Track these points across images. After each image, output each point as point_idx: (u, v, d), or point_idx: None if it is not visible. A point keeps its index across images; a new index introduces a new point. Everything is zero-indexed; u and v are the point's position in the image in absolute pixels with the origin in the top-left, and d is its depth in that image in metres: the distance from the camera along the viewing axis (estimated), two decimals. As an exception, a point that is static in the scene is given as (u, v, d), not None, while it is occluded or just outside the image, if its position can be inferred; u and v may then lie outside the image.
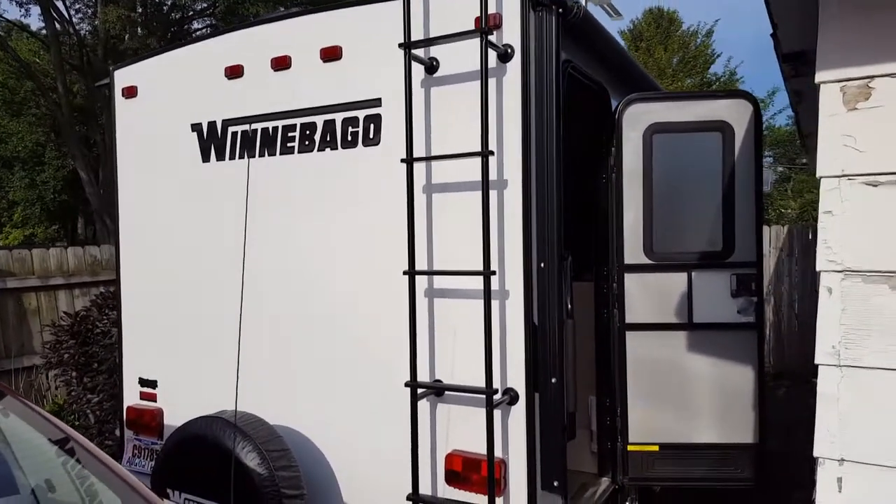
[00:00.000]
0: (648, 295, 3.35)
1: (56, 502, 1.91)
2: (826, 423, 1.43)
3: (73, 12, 18.16)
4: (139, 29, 17.16)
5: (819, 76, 1.50)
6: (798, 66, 3.21)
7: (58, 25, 16.72)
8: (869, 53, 1.41)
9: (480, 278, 2.59)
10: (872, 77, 1.42)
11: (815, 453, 1.45)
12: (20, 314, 6.88)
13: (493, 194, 2.63)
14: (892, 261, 1.37)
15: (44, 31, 17.88)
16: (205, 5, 18.49)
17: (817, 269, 1.46)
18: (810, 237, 8.43)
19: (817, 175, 1.48)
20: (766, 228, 8.63)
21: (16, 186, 23.51)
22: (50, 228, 24.83)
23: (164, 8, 18.63)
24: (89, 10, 18.61)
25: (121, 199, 3.89)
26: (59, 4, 17.32)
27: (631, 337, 3.35)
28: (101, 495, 1.86)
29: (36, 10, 17.70)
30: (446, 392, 2.78)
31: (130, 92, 3.78)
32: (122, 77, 3.84)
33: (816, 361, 1.44)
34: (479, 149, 2.59)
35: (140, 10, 17.35)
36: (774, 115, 23.63)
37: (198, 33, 20.84)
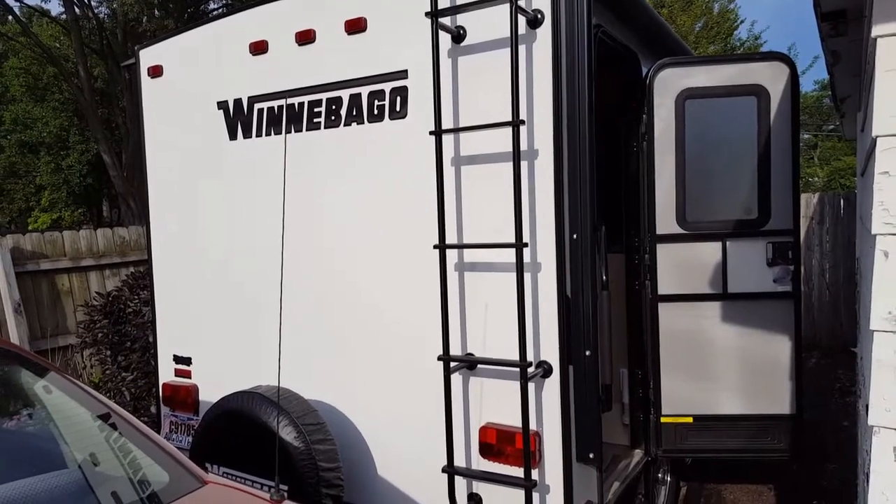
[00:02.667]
0: (681, 265, 3.30)
1: (103, 476, 1.95)
2: (881, 390, 1.39)
3: (92, -4, 18.22)
4: (156, 10, 17.16)
5: (876, 30, 1.42)
6: (838, 24, 3.08)
7: (77, 10, 16.81)
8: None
9: (511, 251, 2.56)
10: (935, 28, 1.35)
11: (871, 422, 1.41)
12: (54, 295, 7.04)
13: (523, 165, 2.59)
14: (955, 222, 1.32)
15: (63, 16, 17.99)
16: (222, -14, 18.40)
17: (873, 231, 1.40)
18: (841, 204, 8.22)
19: (873, 134, 1.41)
20: (796, 196, 8.44)
21: (42, 171, 23.94)
22: (76, 212, 25.30)
23: (181, -12, 18.58)
24: (108, -7, 18.67)
25: (149, 179, 3.92)
26: (79, -11, 17.40)
27: (664, 308, 3.31)
28: (146, 468, 1.90)
29: (55, -6, 17.83)
30: (479, 365, 2.78)
31: (156, 71, 3.78)
32: (148, 56, 3.83)
33: (871, 327, 1.39)
34: (508, 119, 2.54)
35: (157, -9, 17.36)
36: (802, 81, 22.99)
37: (214, 13, 20.84)
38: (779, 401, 3.20)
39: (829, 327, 8.07)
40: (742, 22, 22.92)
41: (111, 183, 19.16)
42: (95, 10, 17.90)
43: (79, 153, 22.80)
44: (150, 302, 4.05)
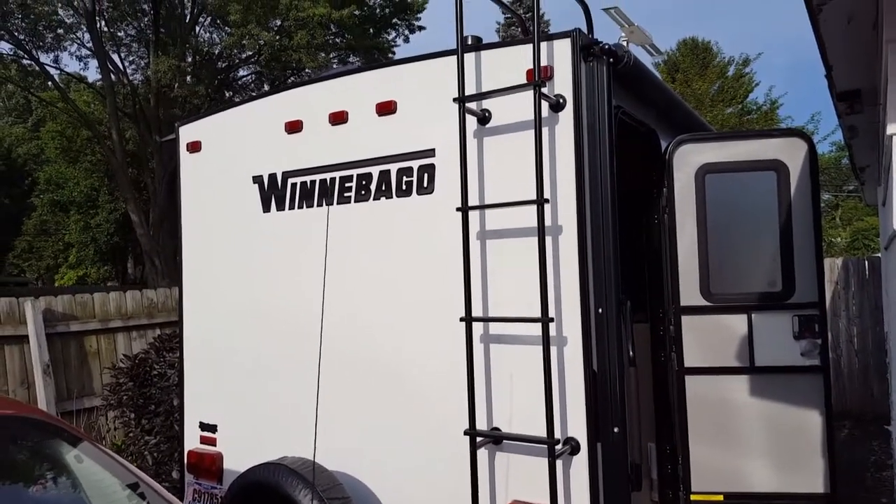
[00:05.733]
0: (707, 337, 3.29)
1: None
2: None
3: (126, 63, 19.26)
4: (188, 77, 18.04)
5: (891, 129, 1.50)
6: (853, 103, 3.18)
7: (113, 76, 17.71)
8: (940, 105, 1.42)
9: (538, 325, 2.60)
10: (945, 128, 1.42)
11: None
12: (81, 356, 7.16)
13: (548, 240, 2.66)
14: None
15: (99, 83, 18.97)
16: (249, 53, 19.34)
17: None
18: (866, 269, 8.14)
19: (894, 226, 1.46)
20: (819, 261, 8.37)
21: (71, 229, 24.65)
22: (102, 269, 25.85)
23: (212, 57, 19.56)
24: (142, 62, 19.71)
25: (184, 247, 4.06)
26: (115, 57, 18.42)
27: (690, 381, 3.29)
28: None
29: (93, 62, 18.82)
30: (505, 441, 2.77)
31: (195, 147, 3.98)
32: (187, 132, 4.05)
33: (893, 399, 1.40)
34: (531, 196, 2.63)
35: (189, 60, 18.26)
36: (818, 143, 23.13)
37: (243, 79, 21.82)
38: (812, 478, 3.12)
39: (860, 395, 7.84)
40: (758, 85, 23.32)
41: (137, 241, 19.69)
42: (130, 77, 18.86)
43: (107, 212, 23.54)
44: (179, 368, 4.12)
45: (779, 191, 3.38)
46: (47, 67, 18.50)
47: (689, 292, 3.34)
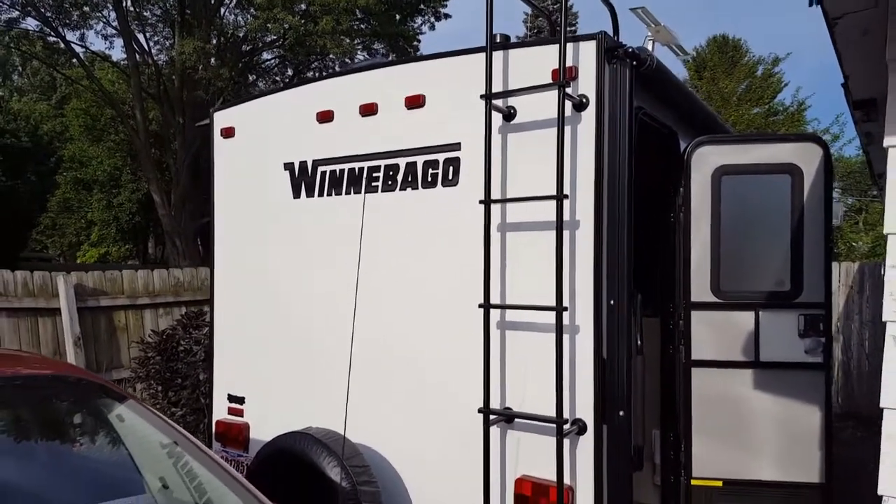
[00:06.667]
0: (714, 332, 3.43)
1: (184, 500, 2.17)
2: (891, 461, 1.53)
3: (151, 44, 19.48)
4: (213, 60, 18.23)
5: (888, 140, 1.63)
6: (869, 111, 3.27)
7: (138, 56, 17.94)
8: (932, 121, 1.54)
9: (552, 313, 2.76)
10: (936, 143, 1.54)
11: (880, 491, 1.54)
12: (110, 330, 7.44)
13: (565, 234, 2.81)
14: (954, 314, 1.48)
15: (124, 62, 19.22)
16: (274, 37, 19.49)
17: (884, 319, 1.57)
18: (882, 273, 8.15)
19: (885, 231, 1.59)
20: (835, 265, 8.40)
21: (94, 208, 25.05)
22: (123, 248, 26.30)
23: (236, 40, 19.73)
24: (167, 42, 19.94)
25: (216, 228, 4.26)
26: (140, 37, 18.66)
27: (696, 373, 3.43)
28: (223, 495, 2.11)
29: (118, 42, 19.04)
30: (517, 420, 2.94)
31: (228, 132, 4.17)
32: (221, 118, 4.23)
33: (882, 405, 1.54)
34: (551, 191, 2.78)
35: (214, 42, 18.43)
36: (843, 147, 22.83)
37: (266, 64, 21.99)
38: (809, 469, 3.25)
39: (868, 397, 7.89)
40: (786, 85, 22.93)
41: (158, 221, 20.02)
42: (155, 58, 19.09)
43: (129, 192, 23.91)
44: (209, 342, 4.34)
45: (792, 194, 3.48)
46: (73, 45, 18.78)
47: (700, 289, 3.47)
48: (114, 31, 18.99)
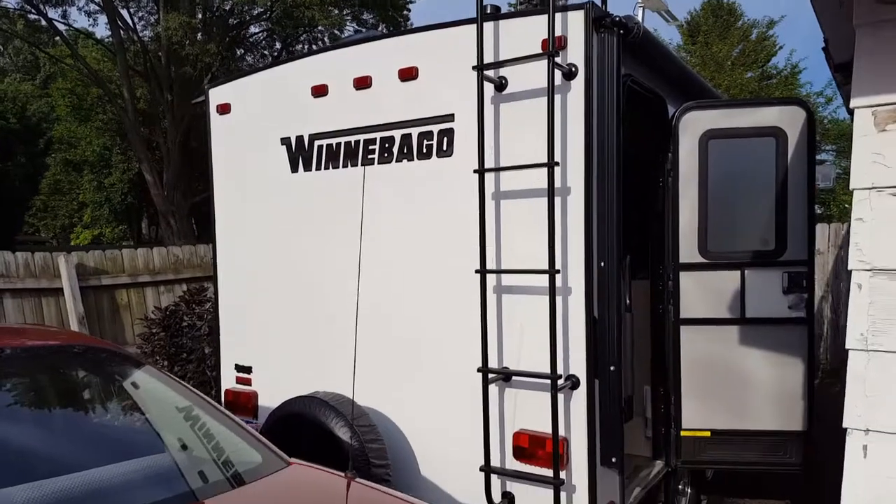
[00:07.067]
0: (702, 292, 3.57)
1: (208, 453, 2.32)
2: (854, 399, 1.68)
3: (136, 20, 19.16)
4: (199, 35, 17.98)
5: (854, 102, 1.73)
6: (848, 75, 3.36)
7: (122, 33, 17.68)
8: (896, 83, 1.65)
9: (545, 276, 2.88)
10: (899, 103, 1.65)
11: (845, 424, 1.69)
12: (113, 309, 7.56)
13: (557, 200, 2.92)
14: (912, 261, 1.62)
15: (108, 39, 18.91)
16: (261, 10, 19.20)
17: (849, 268, 1.69)
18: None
19: (850, 187, 1.71)
20: (826, 226, 8.56)
21: (85, 189, 24.86)
22: (117, 228, 26.20)
23: (223, 14, 19.42)
24: (152, 18, 19.61)
25: (216, 203, 4.36)
26: (124, 13, 18.34)
27: (685, 331, 3.58)
28: (242, 450, 2.26)
29: (102, 18, 18.70)
30: (514, 377, 3.09)
31: (224, 108, 4.23)
32: (217, 95, 4.29)
33: (847, 346, 1.68)
34: (544, 160, 2.88)
35: (200, 17, 18.16)
36: (837, 109, 22.80)
37: (254, 38, 21.70)
38: (791, 418, 3.43)
39: (858, 355, 8.12)
40: (781, 48, 22.75)
41: (151, 201, 19.95)
42: (140, 34, 18.80)
43: (120, 172, 23.70)
44: (214, 315, 4.47)
45: (777, 156, 3.59)
46: (55, 23, 18.47)
47: (689, 250, 3.60)
48: (97, 8, 18.65)
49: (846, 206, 22.50)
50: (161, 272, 7.94)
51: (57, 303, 7.14)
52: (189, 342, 6.34)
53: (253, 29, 21.34)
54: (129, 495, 2.04)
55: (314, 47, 19.85)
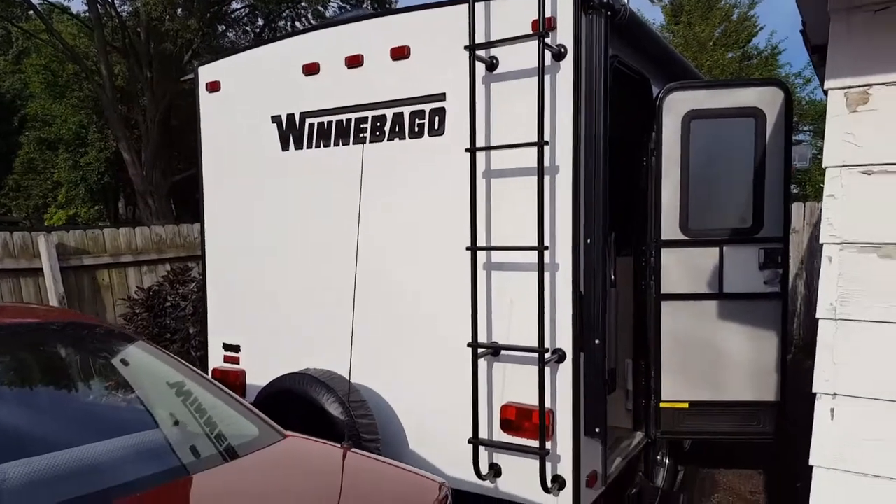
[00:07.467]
0: (683, 268, 3.69)
1: (208, 426, 2.38)
2: (823, 365, 1.80)
3: (114, -6, 18.65)
4: (179, 10, 17.60)
5: (827, 84, 1.83)
6: (824, 56, 3.47)
7: (100, 7, 17.25)
8: (868, 66, 1.74)
9: (534, 253, 2.97)
10: (870, 85, 1.75)
11: (814, 389, 1.81)
12: (94, 289, 7.50)
13: (546, 179, 2.99)
14: (880, 234, 1.72)
15: (85, 14, 18.41)
16: (243, -16, 18.84)
17: (820, 241, 1.80)
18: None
19: (823, 165, 1.82)
20: (801, 204, 8.76)
21: (60, 168, 24.33)
22: (93, 209, 25.74)
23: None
24: (131, -9, 19.10)
25: (204, 182, 4.36)
26: (101, -14, 17.83)
27: (666, 306, 3.71)
28: (240, 423, 2.33)
29: (79, -9, 18.17)
30: (502, 352, 3.19)
31: (214, 86, 4.22)
32: (206, 73, 4.28)
33: (817, 316, 1.80)
34: (533, 138, 2.95)
35: (179, -9, 17.74)
36: (815, 90, 23.11)
37: (236, 13, 21.29)
38: (765, 389, 3.59)
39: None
40: (762, 29, 22.93)
41: (129, 181, 19.63)
42: (118, 9, 18.35)
43: (97, 150, 23.22)
44: (202, 294, 4.50)
45: (756, 136, 3.70)
46: (29, -4, 17.93)
47: (670, 227, 3.72)
48: (73, -19, 18.11)
49: (821, 185, 22.94)
50: (143, 252, 7.88)
51: (36, 283, 7.05)
52: (173, 322, 6.36)
53: (235, 4, 20.95)
54: (121, 471, 2.04)
55: (297, 24, 19.56)
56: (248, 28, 20.81)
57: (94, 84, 18.77)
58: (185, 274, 6.79)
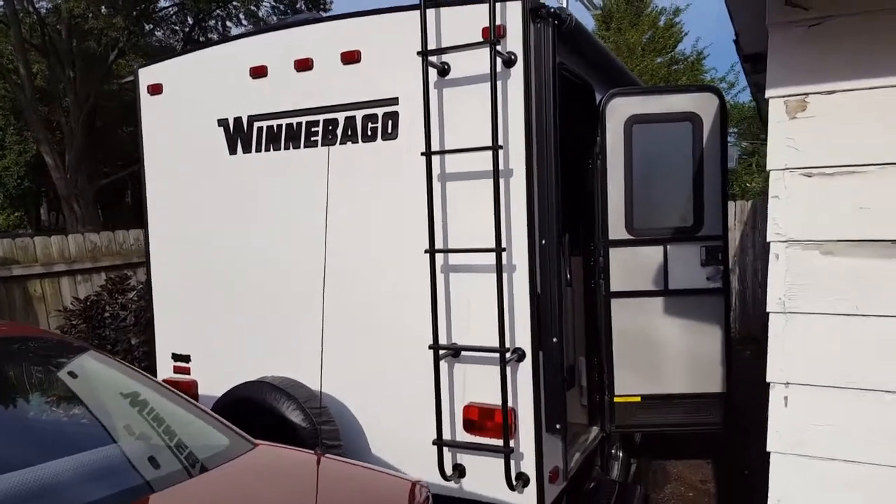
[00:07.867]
0: (630, 266, 3.84)
1: (176, 438, 2.31)
2: (775, 356, 1.93)
3: (32, -10, 17.68)
4: (103, 8, 16.85)
5: (768, 93, 1.96)
6: (757, 64, 3.69)
7: (16, 3, 16.32)
8: (805, 76, 1.88)
9: (491, 254, 3.03)
10: (808, 94, 1.88)
11: (768, 379, 1.94)
12: (26, 300, 7.10)
13: (501, 182, 3.05)
14: (821, 232, 1.86)
15: (1, 10, 17.39)
16: (171, -18, 18.21)
17: (768, 240, 1.93)
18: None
19: (767, 168, 1.94)
20: (731, 203, 9.23)
21: (-26, 173, 22.82)
22: (12, 215, 24.31)
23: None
24: (50, -12, 18.13)
25: (148, 188, 4.22)
26: (17, -19, 16.87)
27: (615, 303, 3.85)
28: (209, 434, 2.27)
29: (-9, -13, 17.17)
30: (463, 352, 3.23)
31: (155, 89, 4.09)
32: (147, 75, 4.14)
33: (768, 310, 1.92)
34: (486, 143, 3.01)
35: (105, -12, 16.99)
36: (738, 94, 24.34)
37: (164, 12, 20.54)
38: (712, 381, 3.78)
39: (762, 322, 8.85)
40: (686, 35, 24.03)
41: (52, 185, 18.62)
42: (36, 5, 17.39)
43: (16, 154, 21.94)
44: (147, 304, 4.34)
45: (693, 139, 3.89)
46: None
47: (616, 228, 3.86)
48: (-15, -25, 17.05)
49: (747, 185, 24.16)
50: (77, 260, 7.51)
51: (-40, 297, 6.65)
52: (113, 333, 6.10)
53: (163, 3, 20.21)
54: (78, 490, 1.93)
55: (228, 24, 19.07)
56: (176, 27, 20.14)
57: (11, 84, 17.70)
58: (123, 283, 6.51)
